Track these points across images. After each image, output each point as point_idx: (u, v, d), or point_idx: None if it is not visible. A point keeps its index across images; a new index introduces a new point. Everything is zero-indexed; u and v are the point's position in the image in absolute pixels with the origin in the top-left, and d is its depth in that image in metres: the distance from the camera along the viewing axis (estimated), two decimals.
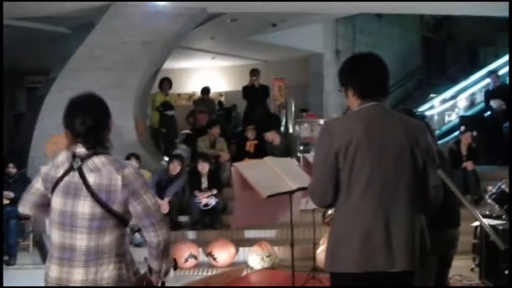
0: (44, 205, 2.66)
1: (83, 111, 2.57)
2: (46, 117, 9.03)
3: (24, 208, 2.72)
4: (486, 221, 4.96)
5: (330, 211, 3.57)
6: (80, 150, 2.55)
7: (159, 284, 2.76)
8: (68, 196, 2.51)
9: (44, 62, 12.33)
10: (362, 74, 2.76)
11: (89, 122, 2.54)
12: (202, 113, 11.42)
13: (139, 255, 2.78)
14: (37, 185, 2.66)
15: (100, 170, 2.50)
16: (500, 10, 8.80)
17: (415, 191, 2.65)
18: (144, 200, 2.53)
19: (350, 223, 2.60)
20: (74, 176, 2.52)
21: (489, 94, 11.25)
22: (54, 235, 2.56)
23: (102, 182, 2.49)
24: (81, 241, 2.49)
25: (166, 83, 11.21)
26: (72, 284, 2.48)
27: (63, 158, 2.59)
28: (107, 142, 2.62)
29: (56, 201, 2.55)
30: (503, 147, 10.26)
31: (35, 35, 11.31)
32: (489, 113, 11.20)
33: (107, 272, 2.50)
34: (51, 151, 8.76)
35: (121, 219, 2.54)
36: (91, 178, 2.49)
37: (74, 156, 2.54)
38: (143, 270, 2.77)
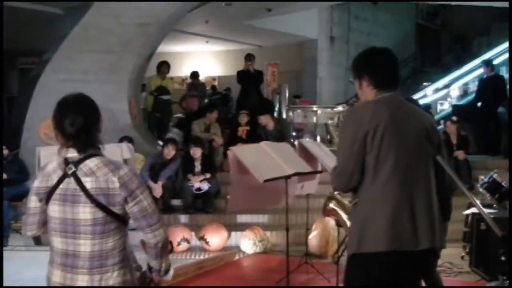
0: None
1: (72, 111, 2.49)
2: (39, 99, 8.98)
3: (32, 232, 2.63)
4: (477, 210, 5.00)
5: (331, 204, 3.61)
6: (72, 154, 2.48)
7: (162, 282, 2.72)
8: (66, 203, 2.46)
9: (38, 43, 12.21)
10: (379, 65, 2.90)
11: (79, 123, 2.47)
12: (193, 98, 11.43)
13: (135, 239, 2.74)
14: (33, 204, 2.57)
15: (95, 174, 2.45)
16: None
17: (431, 176, 2.82)
18: (141, 200, 2.50)
19: (377, 204, 2.70)
20: (70, 183, 2.46)
21: (483, 83, 11.26)
22: (56, 242, 2.51)
23: (100, 186, 2.43)
24: (85, 246, 2.46)
25: (164, 66, 11.23)
26: None
27: (53, 166, 2.52)
28: (98, 143, 2.56)
29: (54, 210, 2.49)
30: (494, 137, 10.32)
31: (28, 15, 11.19)
32: (481, 103, 11.20)
33: (112, 279, 2.47)
34: (44, 134, 8.73)
35: (122, 221, 2.52)
36: (87, 183, 2.43)
37: (66, 161, 2.47)
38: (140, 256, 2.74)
